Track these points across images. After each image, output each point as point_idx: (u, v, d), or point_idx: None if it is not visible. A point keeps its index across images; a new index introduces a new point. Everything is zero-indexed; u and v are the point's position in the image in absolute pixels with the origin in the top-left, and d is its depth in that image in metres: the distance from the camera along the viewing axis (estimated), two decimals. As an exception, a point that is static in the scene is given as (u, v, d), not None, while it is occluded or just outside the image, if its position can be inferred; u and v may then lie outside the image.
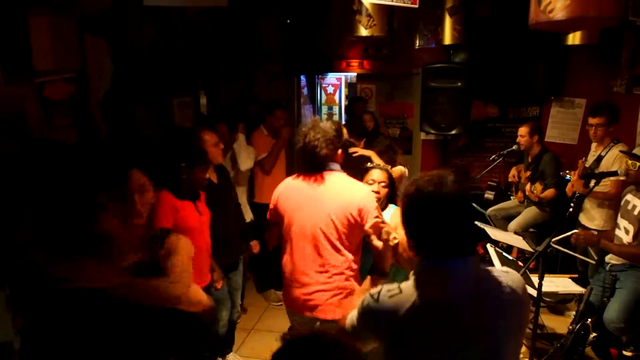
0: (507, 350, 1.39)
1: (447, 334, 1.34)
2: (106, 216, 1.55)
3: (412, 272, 1.45)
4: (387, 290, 1.43)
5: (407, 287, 1.41)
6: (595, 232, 3.31)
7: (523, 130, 4.49)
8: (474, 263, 1.38)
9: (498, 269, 1.47)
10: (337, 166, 2.46)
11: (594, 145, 3.93)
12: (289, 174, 4.56)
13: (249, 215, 4.12)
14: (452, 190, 1.34)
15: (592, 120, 3.86)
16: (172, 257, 1.79)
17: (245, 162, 4.08)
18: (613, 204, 3.71)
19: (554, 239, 2.90)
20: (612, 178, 3.47)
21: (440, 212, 1.34)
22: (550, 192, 4.29)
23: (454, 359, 1.35)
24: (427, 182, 1.36)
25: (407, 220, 1.42)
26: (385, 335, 1.42)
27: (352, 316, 1.56)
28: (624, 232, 3.02)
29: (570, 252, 3.33)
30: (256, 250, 3.73)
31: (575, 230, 3.22)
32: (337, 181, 2.42)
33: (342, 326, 1.62)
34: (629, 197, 3.05)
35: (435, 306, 1.34)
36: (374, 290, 1.47)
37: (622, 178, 3.38)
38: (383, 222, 2.23)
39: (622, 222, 3.03)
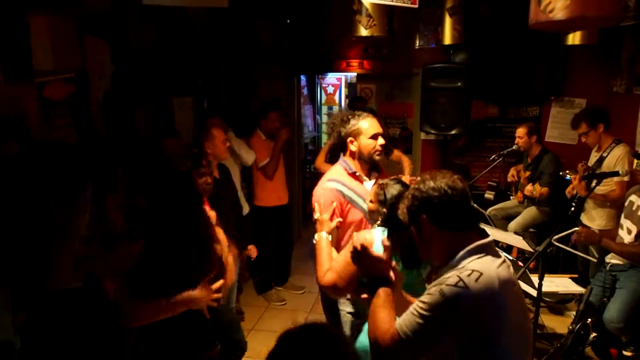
0: None
1: (522, 300, 1.56)
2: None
3: (460, 256, 1.48)
4: (467, 276, 1.39)
5: (483, 266, 1.43)
6: (597, 231, 3.30)
7: (521, 132, 4.50)
8: None
9: None
10: (342, 158, 2.51)
11: (595, 147, 3.93)
12: (287, 175, 4.60)
13: (245, 208, 4.13)
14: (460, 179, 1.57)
15: (577, 132, 3.92)
16: None
17: (249, 155, 4.10)
18: (614, 205, 3.70)
19: (555, 237, 2.90)
20: (615, 179, 3.47)
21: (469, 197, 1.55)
22: (544, 191, 4.29)
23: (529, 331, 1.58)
24: (451, 181, 1.53)
25: (429, 211, 1.52)
26: (484, 319, 1.39)
27: (412, 321, 1.42)
28: (626, 233, 3.01)
29: (571, 250, 3.33)
30: (253, 255, 3.71)
31: (577, 228, 3.21)
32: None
33: (387, 340, 1.46)
34: (633, 197, 3.03)
35: (513, 281, 1.51)
36: (449, 280, 1.39)
37: (626, 179, 3.38)
38: (318, 217, 2.29)
39: (626, 223, 3.02)
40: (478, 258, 1.46)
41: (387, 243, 1.66)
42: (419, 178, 1.61)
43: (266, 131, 4.27)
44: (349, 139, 2.46)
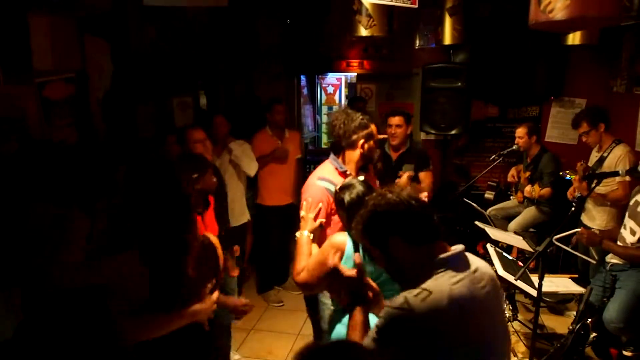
0: None
1: (490, 318, 1.45)
2: None
3: (420, 273, 1.42)
4: (413, 296, 1.35)
5: (434, 285, 1.38)
6: (598, 232, 3.29)
7: (521, 132, 4.50)
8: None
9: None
10: (332, 156, 2.60)
11: (595, 146, 3.93)
12: (299, 177, 4.58)
13: (245, 216, 4.11)
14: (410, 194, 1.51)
15: (578, 132, 3.92)
16: None
17: (250, 166, 4.01)
18: (615, 205, 3.70)
19: (556, 237, 2.89)
20: (617, 179, 3.47)
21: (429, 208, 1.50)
22: (545, 191, 4.29)
23: (499, 340, 1.47)
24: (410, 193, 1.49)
25: (396, 227, 1.45)
26: (429, 341, 1.35)
27: (368, 346, 1.42)
28: (629, 233, 2.98)
29: (571, 251, 3.32)
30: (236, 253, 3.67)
31: (578, 229, 3.21)
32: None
33: None
34: (639, 197, 3.02)
35: (474, 296, 1.40)
36: (396, 302, 1.37)
37: (627, 178, 3.37)
38: (303, 215, 2.34)
39: (629, 223, 3.00)
40: (436, 275, 1.41)
41: (358, 260, 1.62)
42: (374, 194, 1.54)
43: (274, 125, 4.28)
44: (361, 141, 2.53)
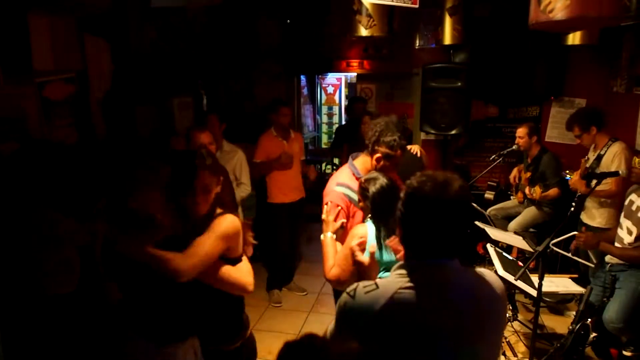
0: (492, 348, 1.45)
1: (439, 332, 1.30)
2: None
3: (394, 269, 1.41)
4: (363, 287, 1.37)
5: (386, 283, 1.36)
6: (596, 233, 3.29)
7: (521, 132, 4.50)
8: (458, 264, 1.38)
9: (477, 269, 1.46)
10: (350, 162, 2.61)
11: (592, 145, 3.95)
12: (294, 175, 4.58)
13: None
14: (454, 196, 1.31)
15: (573, 134, 3.94)
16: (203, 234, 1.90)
17: (245, 180, 3.91)
18: (614, 203, 3.70)
19: (553, 241, 2.89)
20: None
21: (439, 217, 1.31)
22: (553, 192, 4.28)
23: (446, 356, 1.32)
24: (432, 184, 1.32)
25: (404, 219, 1.37)
26: (363, 334, 1.33)
27: (331, 323, 1.48)
28: (626, 232, 2.99)
29: (570, 256, 3.32)
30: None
31: (576, 233, 3.20)
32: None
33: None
34: (633, 197, 3.01)
35: (426, 302, 1.30)
36: (351, 288, 1.40)
37: (623, 176, 3.37)
38: (324, 218, 2.39)
39: (625, 222, 3.01)
40: (401, 273, 1.35)
41: (373, 249, 1.76)
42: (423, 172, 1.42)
43: (279, 127, 4.23)
44: (378, 155, 2.49)
